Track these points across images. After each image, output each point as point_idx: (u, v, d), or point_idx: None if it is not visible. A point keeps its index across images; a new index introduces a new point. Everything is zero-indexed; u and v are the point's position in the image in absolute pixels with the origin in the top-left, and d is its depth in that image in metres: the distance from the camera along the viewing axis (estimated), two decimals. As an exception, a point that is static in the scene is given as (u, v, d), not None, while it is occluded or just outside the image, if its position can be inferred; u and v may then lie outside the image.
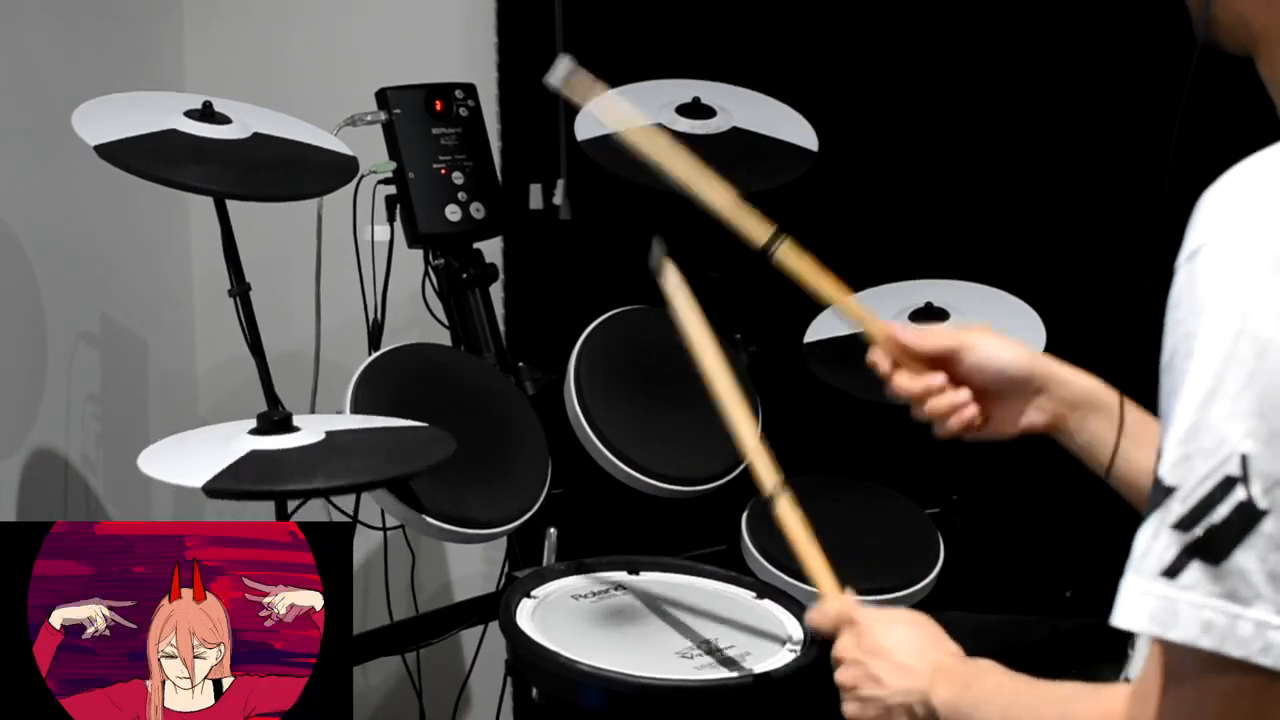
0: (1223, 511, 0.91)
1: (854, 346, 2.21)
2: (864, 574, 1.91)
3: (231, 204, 1.97)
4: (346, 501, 2.27)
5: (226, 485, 1.61)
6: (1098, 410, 1.41)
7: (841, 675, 1.31)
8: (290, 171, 1.98)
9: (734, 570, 1.86)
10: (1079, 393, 1.42)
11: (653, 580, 1.83)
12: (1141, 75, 2.37)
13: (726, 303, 2.36)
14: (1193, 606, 0.92)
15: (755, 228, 1.50)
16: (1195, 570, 0.92)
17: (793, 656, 1.65)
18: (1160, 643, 0.95)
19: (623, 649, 1.63)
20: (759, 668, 1.61)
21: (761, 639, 1.69)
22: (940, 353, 1.44)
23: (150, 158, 1.86)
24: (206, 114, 1.95)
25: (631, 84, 2.34)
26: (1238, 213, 0.94)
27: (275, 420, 1.75)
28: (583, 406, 2.07)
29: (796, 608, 1.74)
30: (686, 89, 2.29)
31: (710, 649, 1.65)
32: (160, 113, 1.94)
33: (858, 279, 2.30)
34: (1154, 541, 0.93)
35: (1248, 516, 0.90)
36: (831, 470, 2.27)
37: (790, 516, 1.43)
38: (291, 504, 1.88)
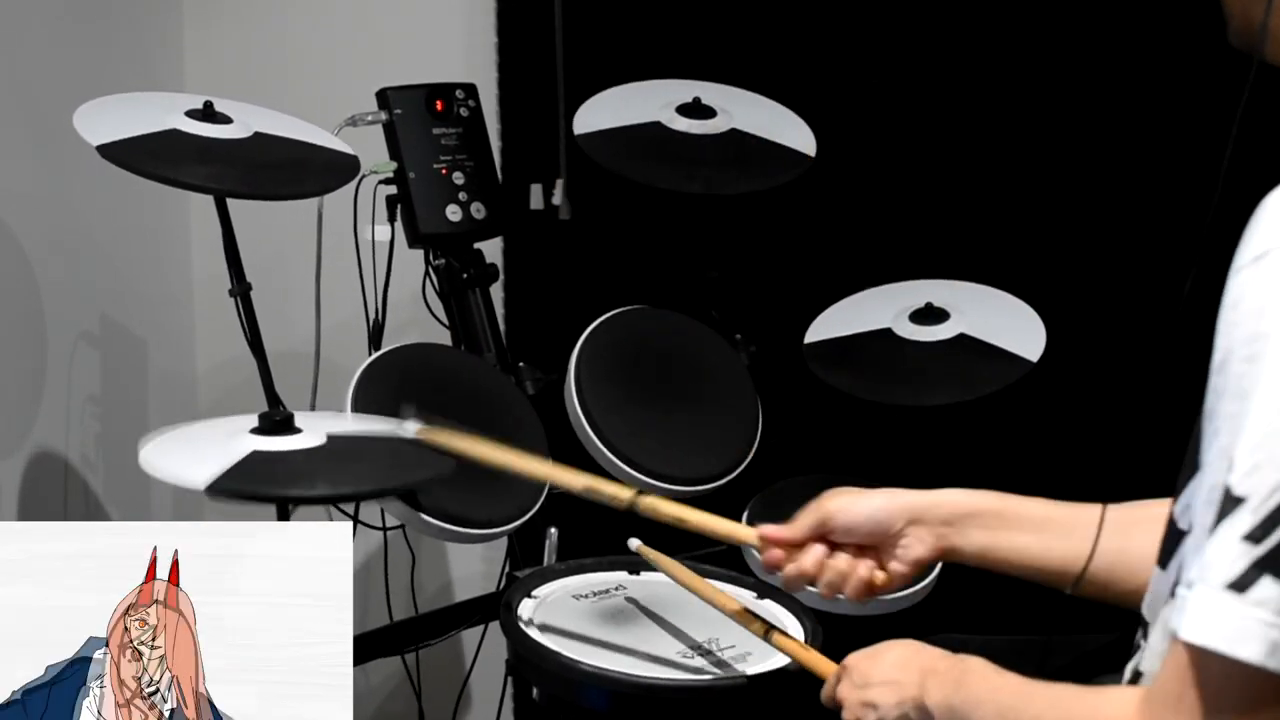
0: None
1: (854, 347, 2.22)
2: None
3: (232, 204, 1.97)
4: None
5: (230, 486, 1.62)
6: (974, 518, 1.41)
7: (846, 717, 1.34)
8: (292, 171, 1.98)
9: (734, 570, 1.86)
10: (950, 509, 1.42)
11: (653, 580, 1.82)
12: (1142, 75, 2.37)
13: (726, 303, 2.36)
14: (1262, 624, 0.89)
15: (616, 491, 1.56)
16: (1267, 585, 0.89)
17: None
18: (1199, 652, 0.92)
19: (623, 649, 1.63)
20: (759, 668, 1.61)
21: (762, 639, 1.69)
22: (810, 534, 1.45)
23: (153, 158, 1.86)
24: (207, 114, 1.95)
25: (632, 83, 2.35)
26: None
27: (277, 420, 1.75)
28: (583, 406, 2.07)
29: (797, 608, 1.74)
30: (687, 89, 2.29)
31: (710, 649, 1.65)
32: (161, 113, 1.94)
33: (858, 279, 2.32)
34: (1223, 553, 0.90)
35: None
36: (831, 470, 2.27)
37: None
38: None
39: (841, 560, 1.43)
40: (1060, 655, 1.90)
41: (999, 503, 1.41)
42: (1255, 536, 0.89)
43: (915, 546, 1.43)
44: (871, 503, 1.44)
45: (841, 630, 1.84)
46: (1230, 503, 0.91)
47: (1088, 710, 1.06)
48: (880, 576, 1.44)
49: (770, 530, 1.46)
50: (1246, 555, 0.90)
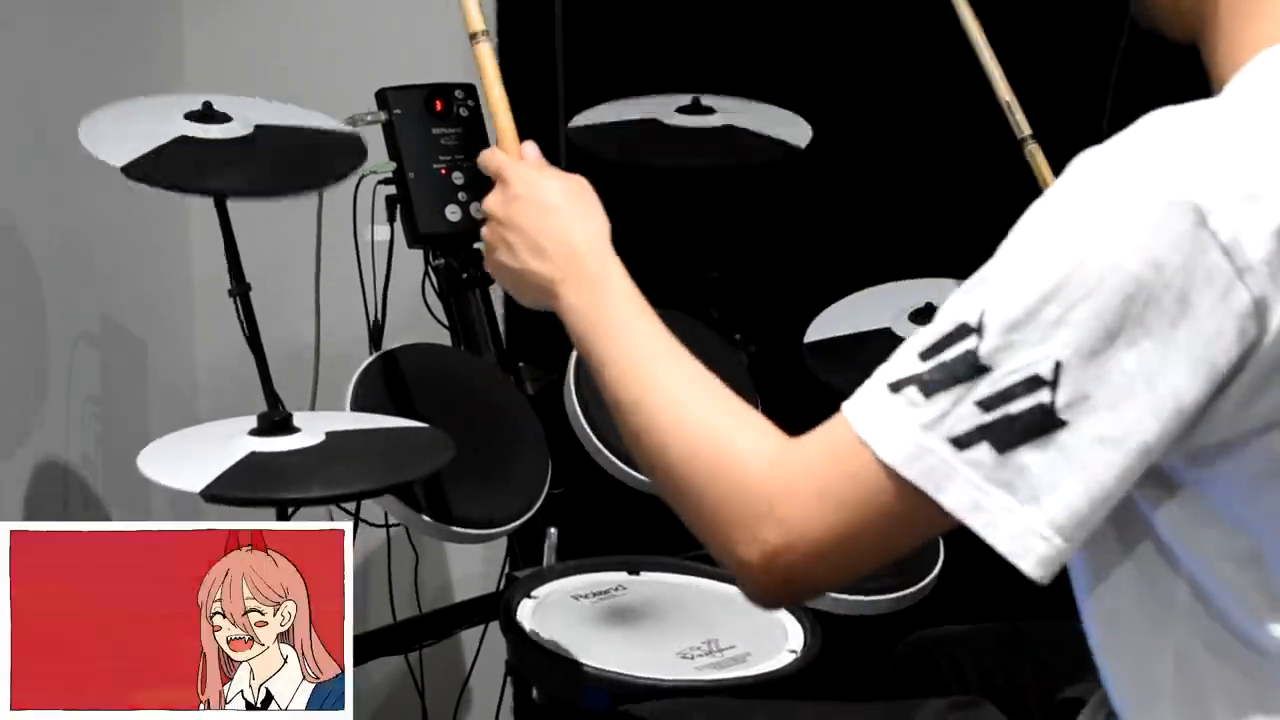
0: (1022, 405, 0.94)
1: (854, 346, 2.22)
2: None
3: (232, 204, 1.97)
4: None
5: (225, 491, 1.62)
6: None
7: (484, 231, 1.33)
8: (302, 159, 1.98)
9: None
10: None
11: (653, 580, 1.83)
12: (1141, 75, 2.37)
13: (726, 303, 2.36)
14: (971, 485, 0.95)
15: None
16: (983, 450, 0.95)
17: (793, 657, 1.65)
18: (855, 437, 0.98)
19: (623, 649, 1.63)
20: (759, 668, 1.61)
21: (762, 639, 1.69)
22: None
23: (177, 169, 1.86)
24: (207, 115, 1.95)
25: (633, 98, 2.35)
26: (1144, 145, 0.97)
27: (275, 420, 1.76)
28: (582, 406, 2.07)
29: (797, 608, 1.74)
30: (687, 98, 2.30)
31: (711, 649, 1.65)
32: (162, 119, 1.93)
33: (858, 278, 2.32)
34: (953, 407, 0.95)
35: (1045, 420, 0.94)
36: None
37: (486, 60, 1.40)
38: (291, 504, 1.88)
39: None
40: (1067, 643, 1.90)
41: None
42: (986, 405, 0.95)
43: None
44: None
45: (843, 630, 1.84)
46: (972, 369, 0.96)
47: (731, 435, 1.08)
48: None
49: None
50: (974, 418, 0.95)
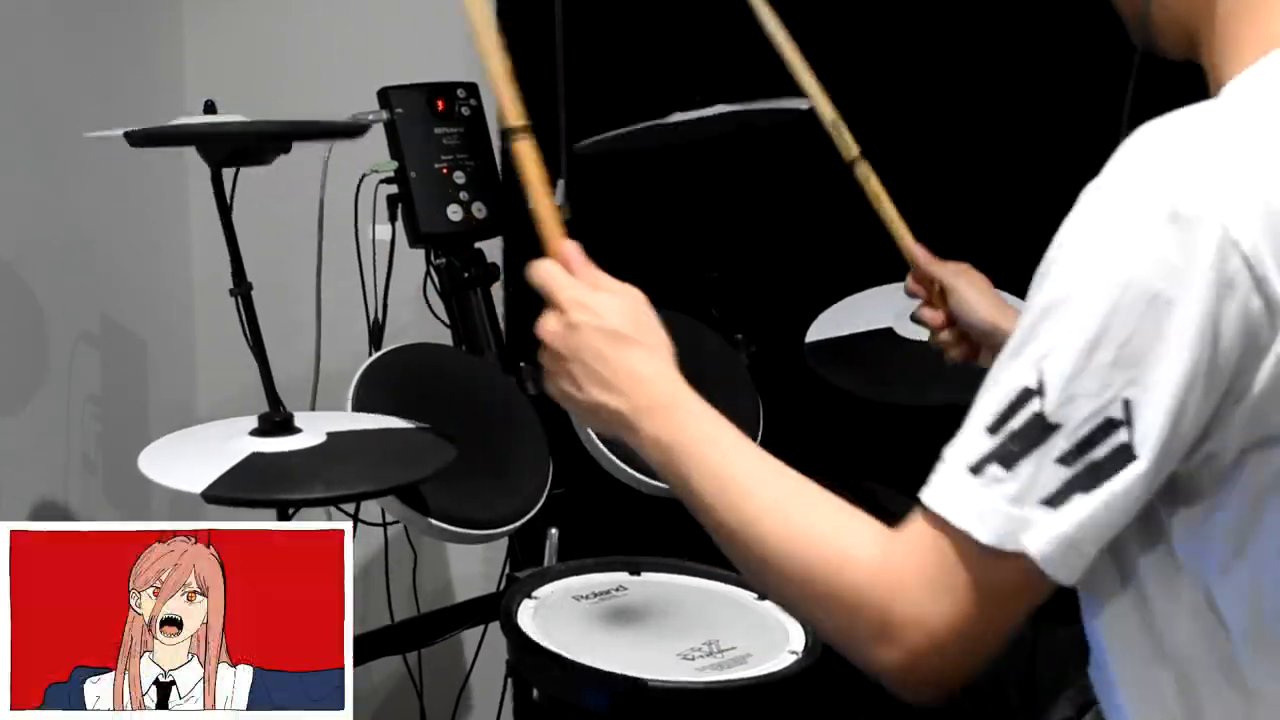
0: (1104, 451, 0.95)
1: (854, 346, 2.22)
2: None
3: (233, 206, 1.96)
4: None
5: (225, 492, 1.62)
6: None
7: (544, 358, 1.24)
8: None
9: (735, 571, 1.86)
10: None
11: (653, 581, 1.82)
12: (1140, 74, 2.36)
13: (726, 303, 2.36)
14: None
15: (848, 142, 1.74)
16: (1078, 502, 0.96)
17: (794, 658, 1.64)
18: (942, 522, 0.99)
19: (624, 650, 1.63)
20: (760, 669, 1.61)
21: (763, 640, 1.69)
22: (932, 278, 1.69)
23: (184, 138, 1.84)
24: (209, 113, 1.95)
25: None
26: (1137, 163, 0.98)
27: (276, 421, 1.75)
28: (583, 407, 2.07)
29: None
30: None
31: (711, 650, 1.65)
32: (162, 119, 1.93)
33: (858, 279, 2.32)
34: (1038, 471, 0.96)
35: (1126, 456, 0.95)
36: (832, 470, 2.27)
37: (529, 159, 1.32)
38: (291, 504, 1.88)
39: (949, 335, 1.68)
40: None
41: None
42: (1067, 460, 0.96)
43: None
44: (983, 307, 1.64)
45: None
46: (1043, 430, 0.97)
47: (834, 543, 1.05)
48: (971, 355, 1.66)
49: (923, 254, 1.73)
50: (1059, 476, 0.96)
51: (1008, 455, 0.97)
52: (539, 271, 1.25)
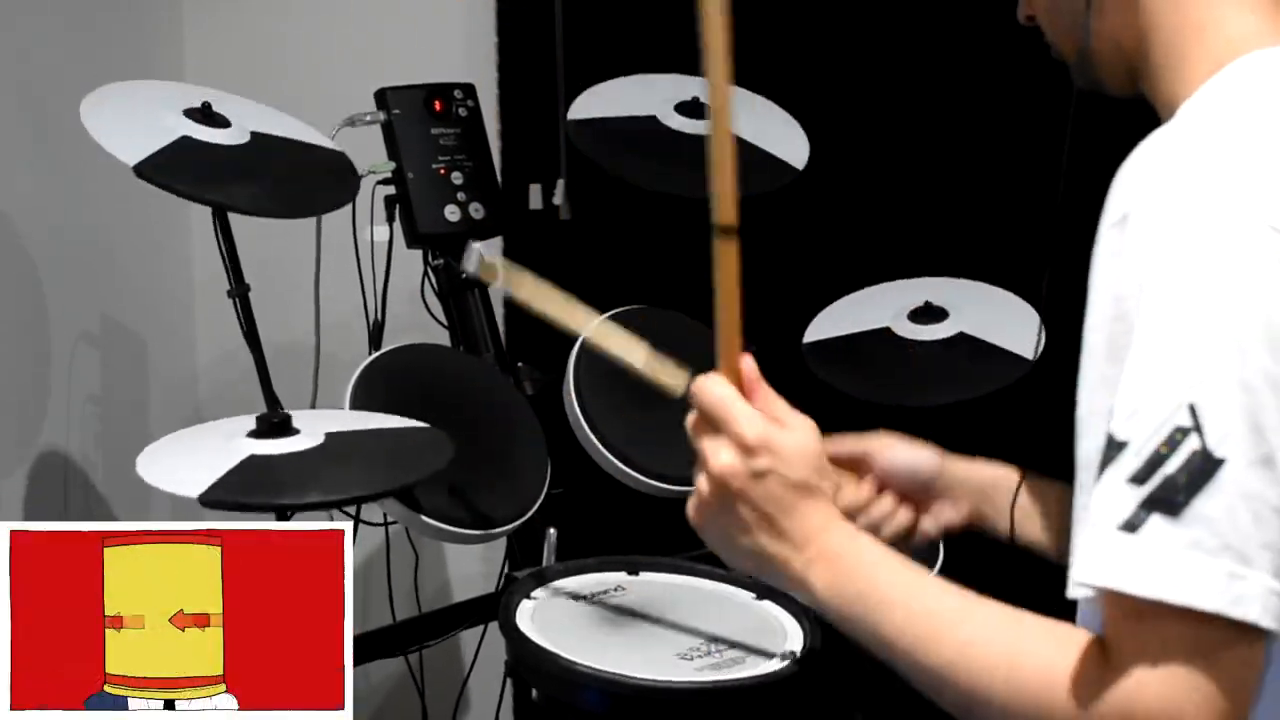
0: (1176, 462, 0.90)
1: (854, 346, 2.22)
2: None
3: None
4: (347, 500, 2.27)
5: (222, 496, 1.62)
6: (1009, 492, 1.41)
7: (703, 485, 1.14)
8: (301, 179, 2.00)
9: (735, 571, 1.86)
10: (985, 481, 1.43)
11: (652, 581, 1.82)
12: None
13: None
14: (1156, 561, 0.90)
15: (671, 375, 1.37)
16: (1156, 523, 0.90)
17: (793, 659, 1.64)
18: (1117, 597, 0.92)
19: (622, 650, 1.63)
20: (759, 669, 1.61)
21: (761, 640, 1.69)
22: (847, 457, 1.45)
23: (189, 177, 1.88)
24: (206, 116, 1.95)
25: (630, 75, 2.34)
26: (1176, 180, 0.97)
27: (274, 422, 1.75)
28: (582, 406, 2.07)
29: (797, 609, 1.74)
30: (686, 85, 2.28)
31: (710, 650, 1.65)
32: (161, 113, 1.93)
33: (857, 278, 2.32)
34: (1111, 497, 0.92)
35: (1204, 464, 0.90)
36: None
37: (731, 261, 1.16)
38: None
39: (887, 502, 1.43)
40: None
41: (1039, 481, 1.40)
42: (1140, 478, 0.91)
43: (948, 511, 1.43)
44: (915, 455, 1.44)
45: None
46: (1113, 449, 0.93)
47: (1043, 663, 0.97)
48: (924, 527, 1.44)
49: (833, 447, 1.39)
50: (1133, 497, 0.91)
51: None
52: (711, 394, 1.14)
